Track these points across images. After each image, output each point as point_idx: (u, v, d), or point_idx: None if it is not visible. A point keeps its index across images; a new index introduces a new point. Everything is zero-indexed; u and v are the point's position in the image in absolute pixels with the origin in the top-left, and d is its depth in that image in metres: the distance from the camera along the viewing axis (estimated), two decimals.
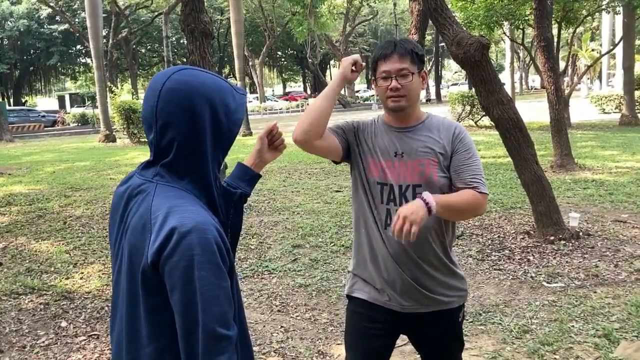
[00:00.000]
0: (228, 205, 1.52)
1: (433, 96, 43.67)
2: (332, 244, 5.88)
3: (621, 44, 18.53)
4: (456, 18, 5.73)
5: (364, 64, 2.19)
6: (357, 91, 52.96)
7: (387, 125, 2.12)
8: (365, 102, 44.84)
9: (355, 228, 2.19)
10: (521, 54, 42.00)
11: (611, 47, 21.68)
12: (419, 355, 3.38)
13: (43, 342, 3.87)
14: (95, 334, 3.99)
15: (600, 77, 33.54)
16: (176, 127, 1.27)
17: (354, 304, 2.18)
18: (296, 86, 77.59)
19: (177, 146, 1.28)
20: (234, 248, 1.52)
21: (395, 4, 38.81)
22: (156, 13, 37.57)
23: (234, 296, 1.31)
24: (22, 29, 39.91)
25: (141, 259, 1.23)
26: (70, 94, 49.80)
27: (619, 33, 19.60)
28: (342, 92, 49.12)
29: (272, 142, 1.84)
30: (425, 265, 2.04)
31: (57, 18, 40.77)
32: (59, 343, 3.86)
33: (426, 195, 1.87)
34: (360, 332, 2.14)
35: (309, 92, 60.29)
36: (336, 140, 2.10)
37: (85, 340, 3.90)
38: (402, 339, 3.55)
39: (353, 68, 2.07)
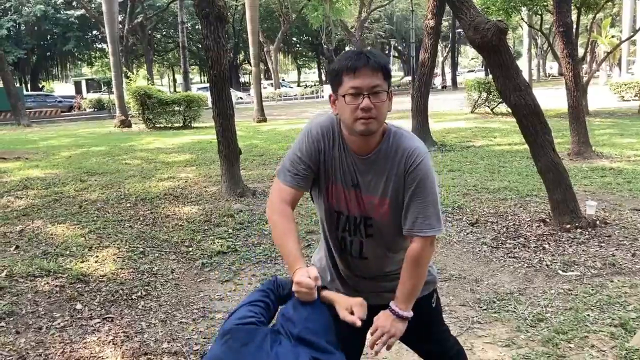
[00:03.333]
0: None
1: (449, 83, 43.32)
2: None
3: None
4: (473, 3, 5.64)
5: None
6: None
7: (348, 147, 1.88)
8: None
9: (321, 228, 2.11)
10: (539, 41, 41.48)
11: (632, 34, 21.29)
12: None
13: (58, 324, 3.91)
14: (109, 317, 4.02)
15: (619, 64, 33.02)
16: None
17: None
18: (311, 72, 77.36)
19: None
20: None
21: None
22: None
23: None
24: (38, 15, 40.07)
25: None
26: (87, 80, 50.06)
27: None
28: None
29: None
30: (383, 280, 2.03)
31: (74, 3, 40.94)
32: (74, 325, 3.90)
33: (396, 309, 1.86)
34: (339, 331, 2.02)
35: (323, 78, 60.09)
36: (305, 189, 1.95)
37: (99, 322, 3.94)
38: None
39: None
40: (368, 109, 1.72)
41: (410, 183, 1.83)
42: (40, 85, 51.77)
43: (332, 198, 1.93)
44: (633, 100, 21.35)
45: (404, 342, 2.22)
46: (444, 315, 3.80)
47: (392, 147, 1.85)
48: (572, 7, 11.47)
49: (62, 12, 42.49)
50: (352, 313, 1.75)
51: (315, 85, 49.07)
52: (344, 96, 1.75)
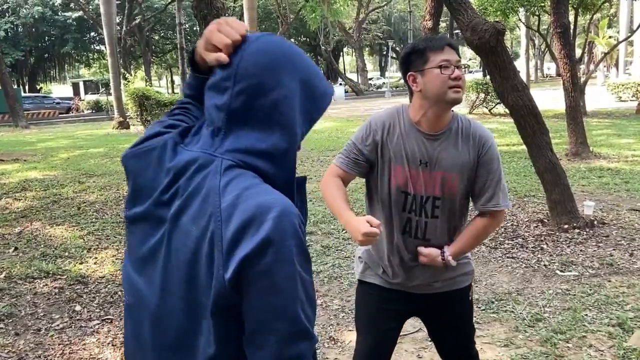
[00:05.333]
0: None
1: None
2: (343, 231, 5.87)
3: (639, 30, 18.22)
4: (471, 4, 5.66)
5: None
6: (370, 79, 52.69)
7: (414, 127, 2.01)
8: (379, 90, 44.61)
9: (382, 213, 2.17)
10: (536, 41, 41.52)
11: (629, 34, 21.31)
12: (430, 343, 3.38)
13: (57, 325, 3.92)
14: (108, 318, 4.02)
15: (617, 65, 33.08)
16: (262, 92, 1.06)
17: (366, 288, 2.20)
18: None
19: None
20: None
21: None
22: (169, 0, 37.53)
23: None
24: (36, 16, 40.03)
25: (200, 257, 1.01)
26: (85, 81, 50.01)
27: (637, 20, 19.27)
28: (355, 79, 48.97)
29: None
30: (437, 269, 2.08)
31: (71, 5, 40.88)
32: (73, 327, 3.90)
33: (446, 251, 2.01)
34: (374, 314, 2.16)
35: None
36: (356, 174, 2.11)
37: (98, 324, 3.94)
38: (414, 325, 3.56)
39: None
40: (459, 78, 1.91)
41: (485, 164, 2.01)
42: (38, 87, 51.70)
43: (399, 179, 2.01)
44: (630, 100, 21.39)
45: (432, 337, 2.29)
46: None
47: (463, 127, 2.02)
48: (570, 8, 11.51)
49: (59, 13, 42.45)
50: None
51: None
52: (438, 67, 1.91)
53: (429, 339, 3.45)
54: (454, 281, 2.12)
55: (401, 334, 2.32)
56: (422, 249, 2.03)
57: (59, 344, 3.63)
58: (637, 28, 18.31)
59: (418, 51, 1.96)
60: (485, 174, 2.01)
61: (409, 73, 1.99)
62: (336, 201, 2.02)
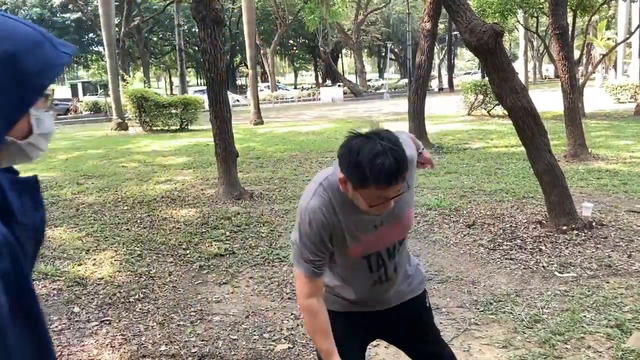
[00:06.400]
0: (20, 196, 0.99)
1: (445, 85, 43.39)
2: None
3: (637, 32, 18.26)
4: (470, 5, 5.67)
5: None
6: (369, 80, 52.72)
7: (352, 203, 1.80)
8: (377, 92, 44.64)
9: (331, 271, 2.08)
10: (535, 43, 41.58)
11: (627, 36, 21.34)
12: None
13: (56, 327, 3.91)
14: (107, 320, 4.02)
15: (615, 66, 33.14)
16: None
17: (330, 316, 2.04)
18: (307, 75, 77.40)
19: None
20: (33, 259, 1.07)
21: None
22: (168, 1, 37.54)
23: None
24: (35, 17, 40.03)
25: None
26: (83, 83, 49.95)
27: (635, 21, 19.31)
28: (354, 81, 48.98)
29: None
30: (402, 286, 2.10)
31: (70, 6, 40.90)
32: (71, 328, 3.90)
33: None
34: (341, 344, 1.99)
35: (320, 80, 60.13)
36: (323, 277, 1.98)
37: (97, 325, 3.94)
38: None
39: None
40: (388, 206, 1.75)
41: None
42: None
43: (356, 252, 1.92)
44: (629, 102, 21.42)
45: (400, 347, 2.25)
46: (441, 317, 3.83)
47: None
48: (568, 10, 11.52)
49: (58, 15, 42.50)
50: None
51: (312, 87, 49.11)
52: (367, 199, 1.71)
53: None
54: (413, 289, 2.12)
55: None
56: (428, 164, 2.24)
57: (58, 346, 3.62)
58: (635, 30, 18.35)
59: (359, 174, 1.65)
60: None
61: (342, 174, 1.72)
62: (322, 342, 1.89)
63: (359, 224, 1.85)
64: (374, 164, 1.61)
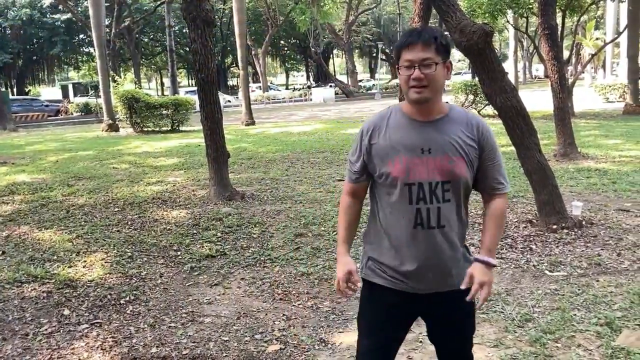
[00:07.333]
0: None
1: None
2: (334, 233, 5.87)
3: (626, 32, 18.38)
4: (459, 6, 5.68)
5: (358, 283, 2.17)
6: (360, 81, 52.76)
7: (409, 118, 2.04)
8: (368, 92, 44.68)
9: (372, 219, 2.18)
10: (525, 43, 41.78)
11: (615, 36, 21.51)
12: (420, 344, 3.39)
13: (46, 330, 3.88)
14: (97, 322, 4.00)
15: (604, 66, 33.38)
16: None
17: (371, 289, 2.17)
18: (299, 75, 77.33)
19: None
20: None
21: None
22: (159, 2, 37.41)
23: None
24: (24, 18, 39.82)
25: None
26: (74, 84, 49.71)
27: (624, 21, 19.45)
28: (345, 81, 49.00)
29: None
30: (446, 258, 2.08)
31: (60, 7, 40.65)
32: (61, 331, 3.87)
33: (488, 259, 2.07)
34: (382, 320, 2.14)
35: (311, 81, 60.10)
36: (363, 181, 2.17)
37: (87, 328, 3.91)
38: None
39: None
40: (419, 79, 1.94)
41: (487, 149, 2.06)
42: (27, 90, 51.34)
43: (401, 172, 2.01)
44: (617, 101, 21.59)
45: (433, 338, 2.27)
46: None
47: (461, 114, 2.09)
48: (557, 10, 11.59)
49: (48, 15, 42.24)
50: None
51: (303, 88, 49.08)
52: (400, 68, 2.00)
53: (419, 340, 3.47)
54: (462, 279, 2.08)
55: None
56: (473, 289, 2.01)
57: (47, 349, 3.60)
58: (624, 30, 18.49)
59: (397, 47, 2.03)
60: (490, 159, 2.07)
61: (396, 66, 2.06)
62: (339, 229, 2.26)
63: (408, 142, 2.01)
64: (408, 33, 2.02)
